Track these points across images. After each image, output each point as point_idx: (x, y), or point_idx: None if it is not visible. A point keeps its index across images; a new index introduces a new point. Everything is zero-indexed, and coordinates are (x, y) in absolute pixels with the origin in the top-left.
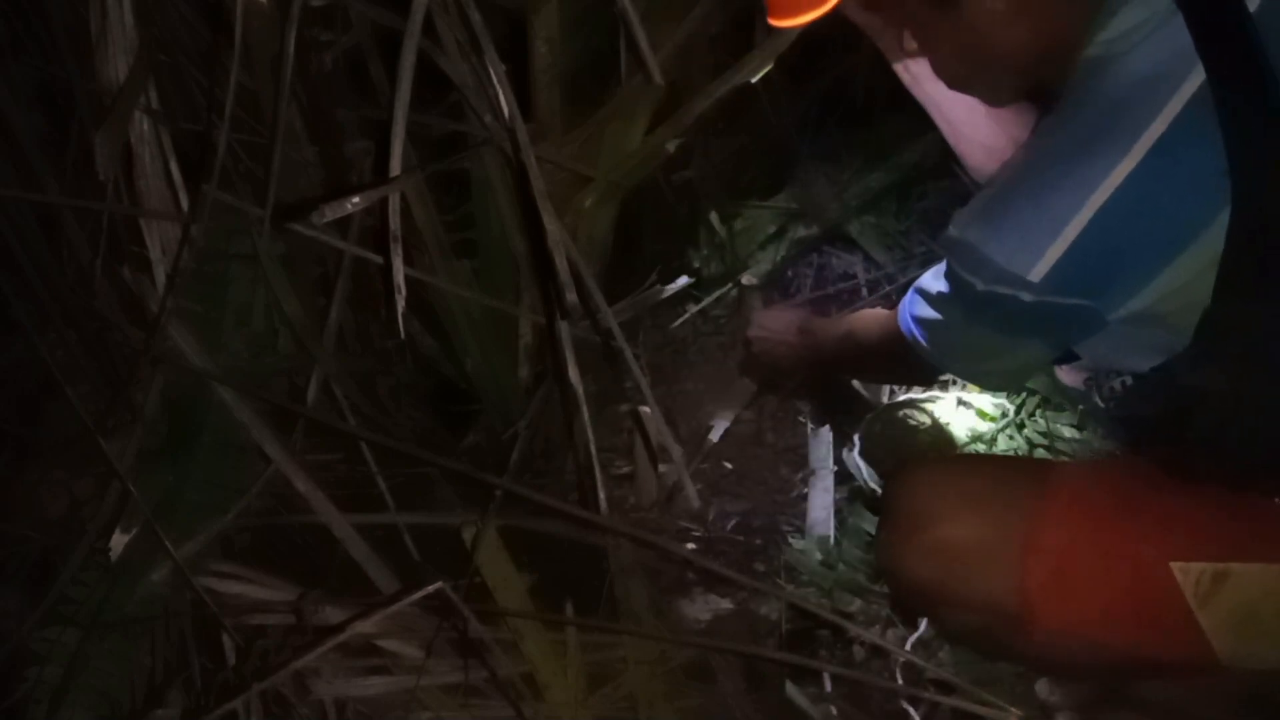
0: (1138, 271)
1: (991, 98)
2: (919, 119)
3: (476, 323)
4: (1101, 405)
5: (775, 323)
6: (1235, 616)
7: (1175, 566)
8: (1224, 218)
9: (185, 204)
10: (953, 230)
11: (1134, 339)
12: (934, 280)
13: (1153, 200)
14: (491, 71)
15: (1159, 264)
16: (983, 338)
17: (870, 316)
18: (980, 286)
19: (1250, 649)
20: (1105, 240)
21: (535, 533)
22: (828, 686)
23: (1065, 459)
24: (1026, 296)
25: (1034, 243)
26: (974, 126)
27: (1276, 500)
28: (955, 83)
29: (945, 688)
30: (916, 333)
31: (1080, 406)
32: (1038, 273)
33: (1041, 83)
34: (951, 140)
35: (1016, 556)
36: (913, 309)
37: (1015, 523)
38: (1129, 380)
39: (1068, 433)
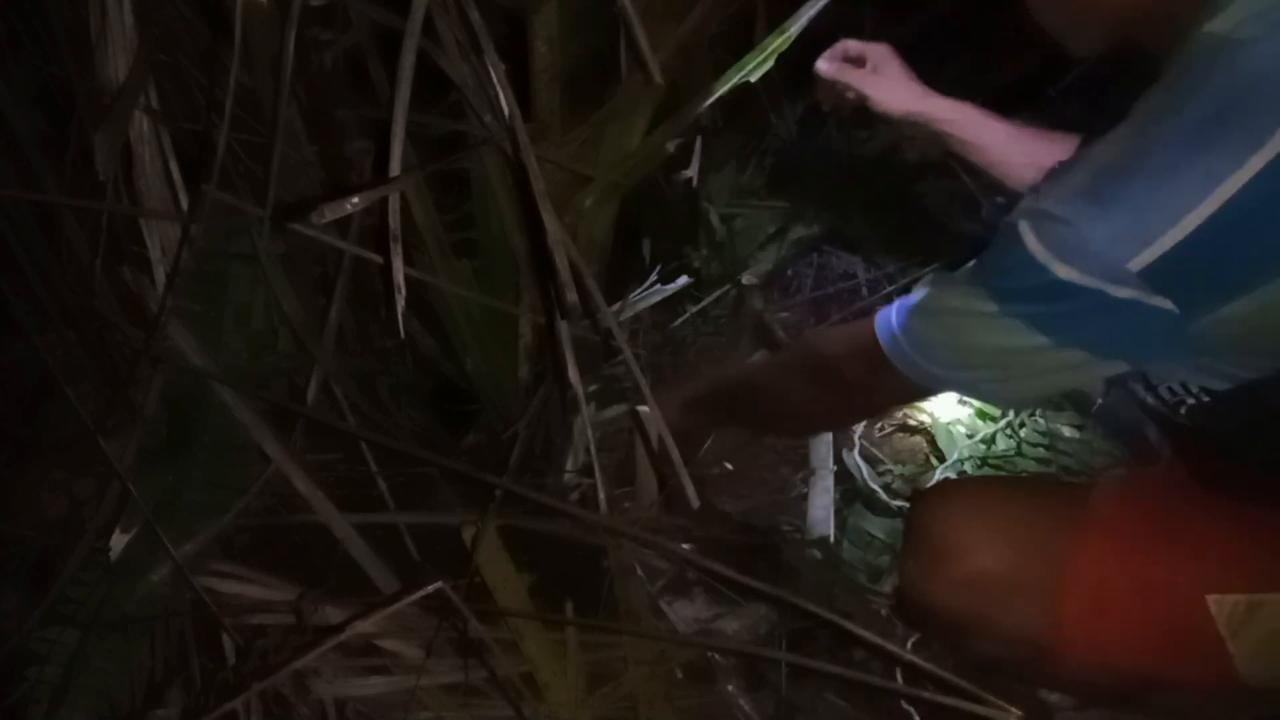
0: (1243, 278)
1: (1075, 45)
2: None
3: (476, 323)
4: (1163, 412)
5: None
6: (1265, 645)
7: (1210, 599)
8: None
9: (185, 204)
10: (1042, 203)
11: (1213, 351)
12: (939, 284)
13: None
14: (491, 71)
15: (1270, 274)
16: (1015, 338)
17: (799, 347)
18: (1058, 272)
19: (1276, 673)
20: (1221, 239)
21: (535, 533)
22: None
23: (1086, 478)
24: (1114, 290)
25: (1146, 229)
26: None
27: None
28: (1040, 18)
29: (945, 688)
30: (908, 338)
31: (1102, 399)
32: (1140, 262)
33: (1134, 44)
34: (996, 172)
35: (1052, 589)
36: (904, 309)
37: (1050, 554)
38: (1203, 395)
39: (1068, 433)
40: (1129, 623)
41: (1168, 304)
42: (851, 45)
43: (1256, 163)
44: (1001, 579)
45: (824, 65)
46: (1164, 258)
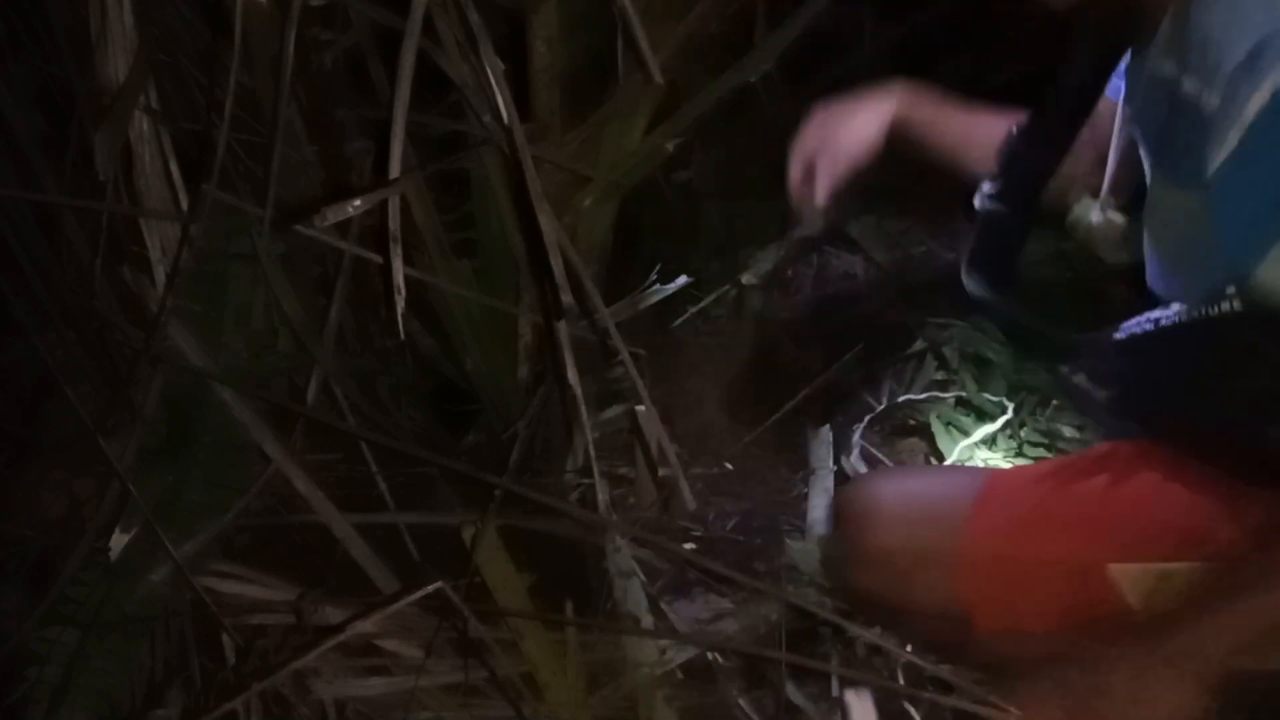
0: None
1: None
2: None
3: (476, 323)
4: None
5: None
6: None
7: (1113, 569)
8: None
9: (185, 204)
10: None
11: None
12: None
13: None
14: (490, 71)
15: None
16: None
17: None
18: None
19: None
20: None
21: (535, 533)
22: (835, 688)
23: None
24: None
25: None
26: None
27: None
28: None
29: (945, 688)
30: None
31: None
32: None
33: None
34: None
35: (950, 564)
36: None
37: (947, 530)
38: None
39: (1068, 433)
40: (1031, 595)
41: None
42: (793, 173)
43: None
44: (903, 555)
45: (809, 218)
46: None
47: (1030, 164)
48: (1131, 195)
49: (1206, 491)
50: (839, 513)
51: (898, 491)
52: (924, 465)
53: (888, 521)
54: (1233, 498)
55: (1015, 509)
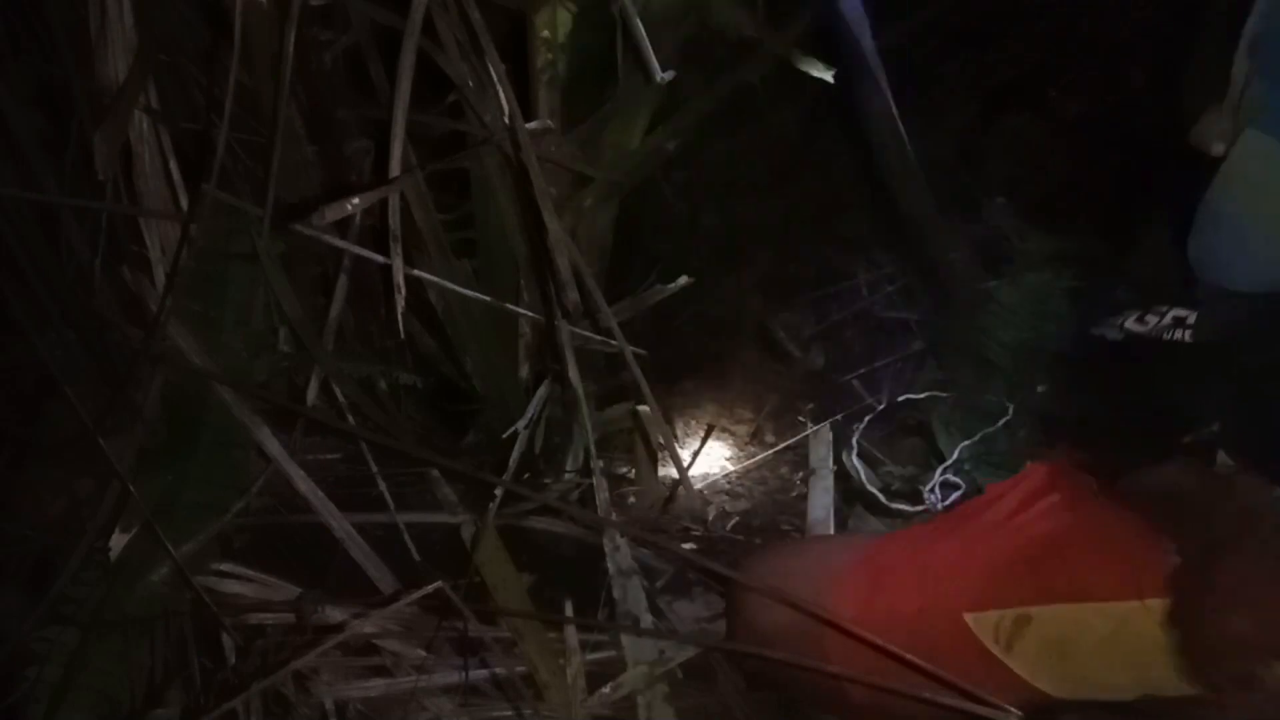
0: None
1: None
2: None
3: (476, 322)
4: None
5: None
6: (1048, 655)
7: (969, 618)
8: None
9: (185, 204)
10: None
11: None
12: None
13: None
14: (492, 71)
15: None
16: None
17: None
18: None
19: (1077, 683)
20: None
21: (535, 532)
22: None
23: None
24: None
25: None
26: None
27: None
28: None
29: (945, 687)
30: None
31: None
32: None
33: None
34: None
35: (818, 632)
36: None
37: (816, 600)
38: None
39: None
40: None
41: None
42: None
43: None
44: (775, 628)
45: None
46: None
47: None
48: None
49: (1062, 537)
50: (732, 593)
51: (773, 569)
52: (815, 538)
53: (761, 600)
54: (1095, 539)
55: (877, 570)
